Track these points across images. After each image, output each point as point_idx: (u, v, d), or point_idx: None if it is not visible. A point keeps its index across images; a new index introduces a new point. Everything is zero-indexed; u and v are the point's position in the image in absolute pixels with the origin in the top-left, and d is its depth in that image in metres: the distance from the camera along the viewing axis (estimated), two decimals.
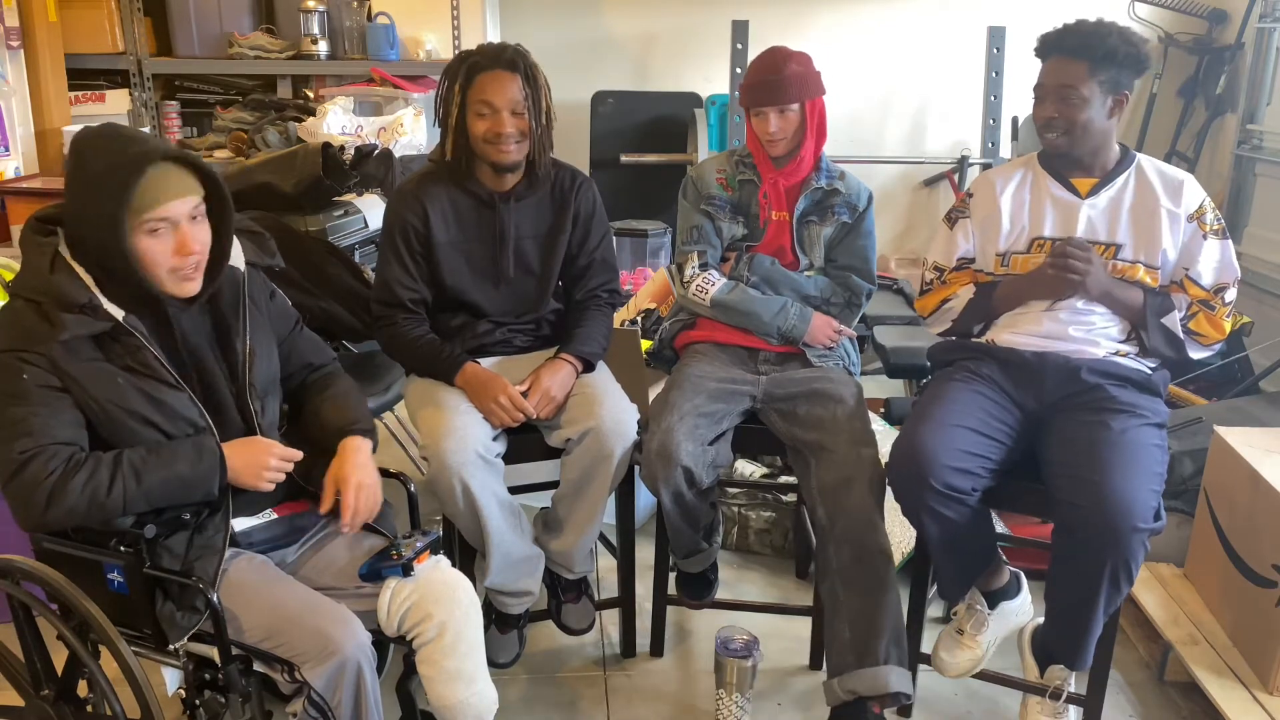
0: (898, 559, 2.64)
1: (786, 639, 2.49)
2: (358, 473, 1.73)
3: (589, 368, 2.23)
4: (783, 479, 2.94)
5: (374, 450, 1.81)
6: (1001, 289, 2.13)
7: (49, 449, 1.50)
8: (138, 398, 1.58)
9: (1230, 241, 2.07)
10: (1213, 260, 2.04)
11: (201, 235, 1.60)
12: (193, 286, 1.62)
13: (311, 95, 4.03)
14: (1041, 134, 2.06)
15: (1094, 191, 2.06)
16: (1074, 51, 1.98)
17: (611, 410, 2.11)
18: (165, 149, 1.55)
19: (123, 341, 1.58)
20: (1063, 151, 2.05)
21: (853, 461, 2.04)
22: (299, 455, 1.71)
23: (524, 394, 2.10)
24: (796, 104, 2.19)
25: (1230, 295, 2.06)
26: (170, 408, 1.60)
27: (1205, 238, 2.03)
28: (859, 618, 2.00)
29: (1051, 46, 2.01)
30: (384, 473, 1.98)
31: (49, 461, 1.50)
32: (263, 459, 1.65)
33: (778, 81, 2.17)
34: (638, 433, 2.12)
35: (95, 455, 1.54)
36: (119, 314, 1.57)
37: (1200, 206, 2.04)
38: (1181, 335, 2.04)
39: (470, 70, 2.06)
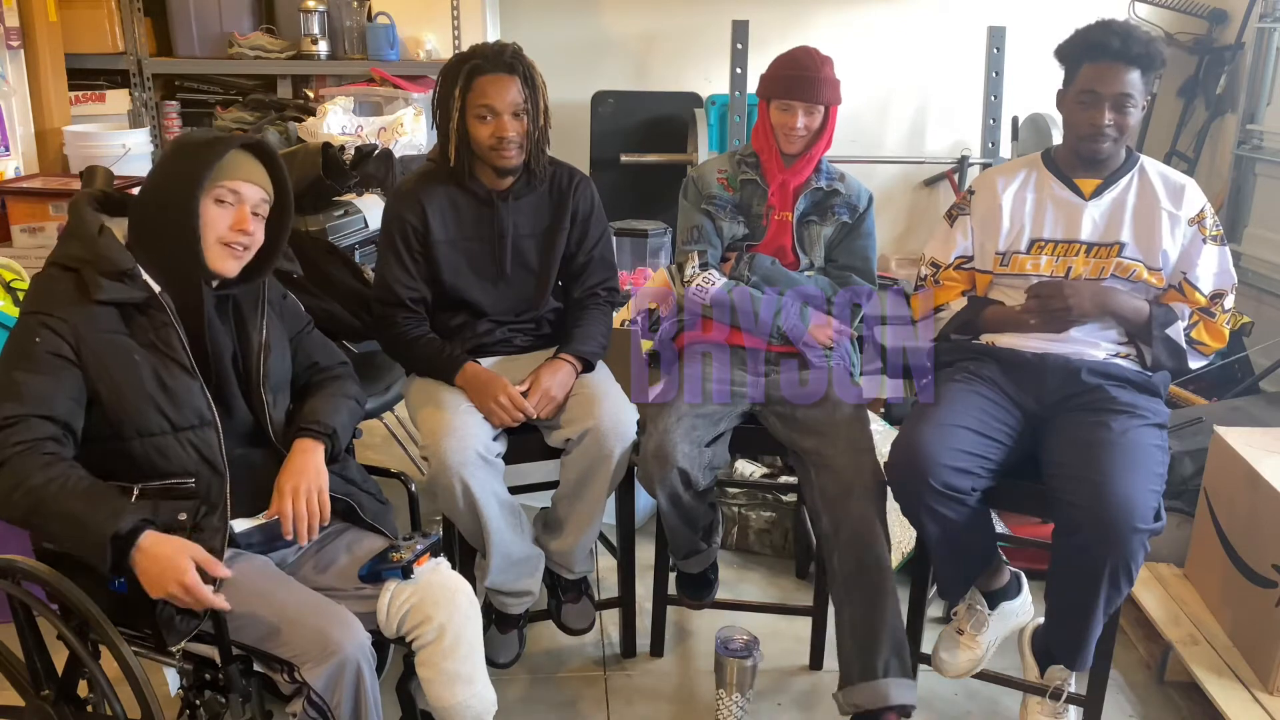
0: (898, 559, 2.64)
1: (786, 639, 2.49)
2: (294, 478, 1.67)
3: (589, 367, 2.23)
4: (783, 479, 2.94)
5: (334, 453, 1.75)
6: (992, 311, 2.14)
7: (30, 420, 1.50)
8: (150, 378, 1.58)
9: (1228, 248, 2.08)
10: (1212, 266, 2.05)
11: (257, 230, 1.68)
12: (232, 266, 1.67)
13: (311, 95, 4.03)
14: (1089, 141, 2.01)
15: (1097, 192, 2.06)
16: (1136, 60, 1.95)
17: (611, 410, 2.11)
18: (261, 140, 1.68)
19: (151, 316, 1.60)
20: (1102, 157, 2.03)
21: (852, 470, 2.04)
22: (219, 566, 1.53)
23: (524, 394, 2.11)
24: (824, 106, 2.21)
25: (1229, 302, 2.06)
26: (178, 394, 1.61)
27: (1205, 242, 2.03)
28: (860, 628, 2.00)
29: (1112, 52, 1.95)
30: (384, 473, 1.99)
31: (24, 432, 1.49)
32: (178, 563, 1.47)
33: (816, 80, 2.20)
34: (636, 433, 2.12)
35: (69, 463, 1.52)
36: (155, 287, 1.61)
37: (1201, 211, 2.04)
38: (1184, 346, 2.04)
39: (470, 74, 2.06)
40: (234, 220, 1.64)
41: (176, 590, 1.48)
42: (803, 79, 2.20)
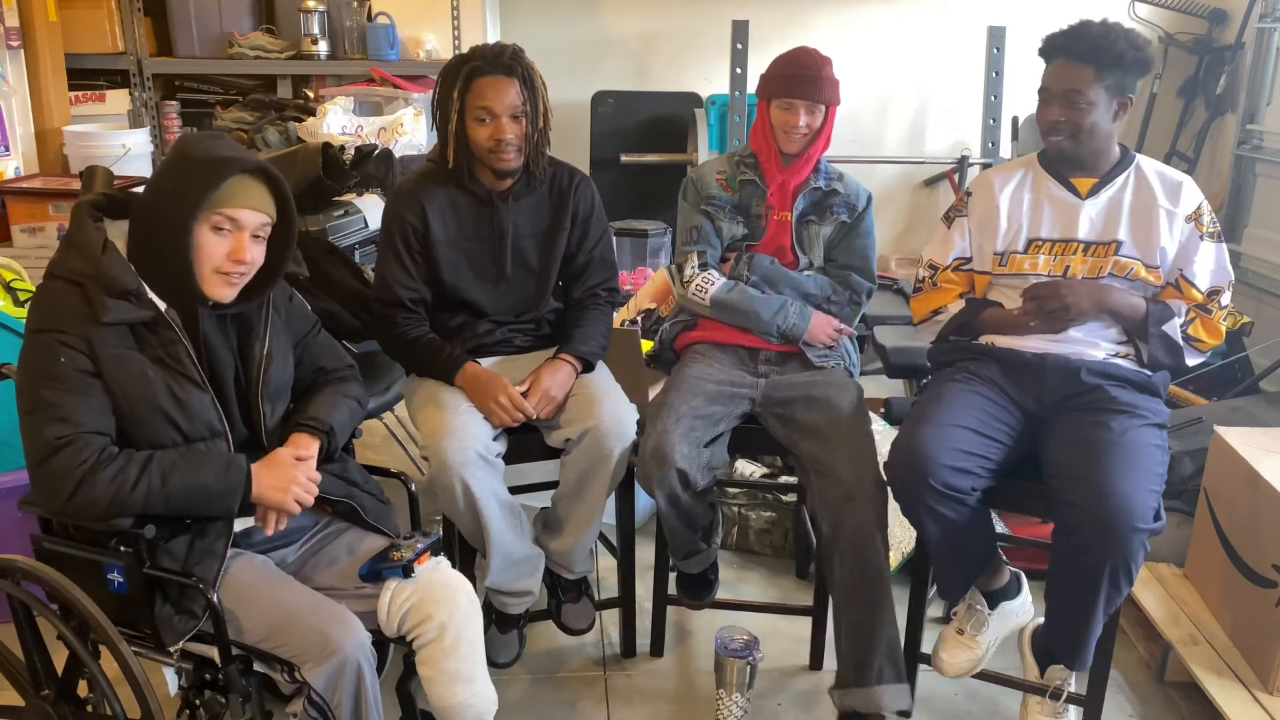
0: (898, 559, 2.64)
1: (786, 639, 2.49)
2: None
3: (589, 367, 2.23)
4: (783, 479, 2.94)
5: (330, 449, 1.76)
6: (991, 314, 2.14)
7: (83, 438, 1.51)
8: (163, 393, 1.58)
9: (1224, 245, 2.08)
10: (1209, 263, 2.04)
11: (256, 254, 1.64)
12: (229, 293, 1.64)
13: (311, 95, 4.04)
14: (1046, 136, 2.04)
15: (1094, 191, 2.06)
16: (1081, 56, 1.96)
17: (610, 410, 2.11)
18: (263, 164, 1.62)
19: (159, 334, 1.59)
20: (1067, 154, 2.05)
21: (854, 479, 2.03)
22: (319, 478, 1.71)
23: (524, 394, 2.11)
24: (825, 105, 2.22)
25: (1226, 299, 2.06)
26: (191, 408, 1.61)
27: (1202, 239, 2.03)
28: (856, 632, 2.05)
29: (1058, 50, 1.99)
30: (384, 473, 1.99)
31: (81, 450, 1.51)
32: (291, 474, 1.65)
33: (817, 78, 2.20)
34: (637, 433, 2.12)
35: (127, 452, 1.55)
36: (161, 305, 1.60)
37: (1198, 208, 2.04)
38: (1181, 342, 2.04)
39: (469, 75, 2.06)
40: (231, 249, 1.59)
41: (300, 494, 1.65)
42: (804, 77, 2.21)
